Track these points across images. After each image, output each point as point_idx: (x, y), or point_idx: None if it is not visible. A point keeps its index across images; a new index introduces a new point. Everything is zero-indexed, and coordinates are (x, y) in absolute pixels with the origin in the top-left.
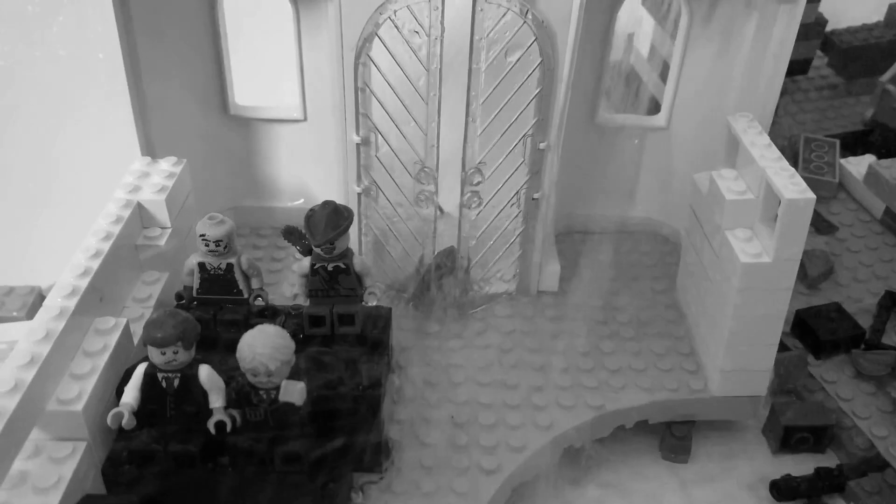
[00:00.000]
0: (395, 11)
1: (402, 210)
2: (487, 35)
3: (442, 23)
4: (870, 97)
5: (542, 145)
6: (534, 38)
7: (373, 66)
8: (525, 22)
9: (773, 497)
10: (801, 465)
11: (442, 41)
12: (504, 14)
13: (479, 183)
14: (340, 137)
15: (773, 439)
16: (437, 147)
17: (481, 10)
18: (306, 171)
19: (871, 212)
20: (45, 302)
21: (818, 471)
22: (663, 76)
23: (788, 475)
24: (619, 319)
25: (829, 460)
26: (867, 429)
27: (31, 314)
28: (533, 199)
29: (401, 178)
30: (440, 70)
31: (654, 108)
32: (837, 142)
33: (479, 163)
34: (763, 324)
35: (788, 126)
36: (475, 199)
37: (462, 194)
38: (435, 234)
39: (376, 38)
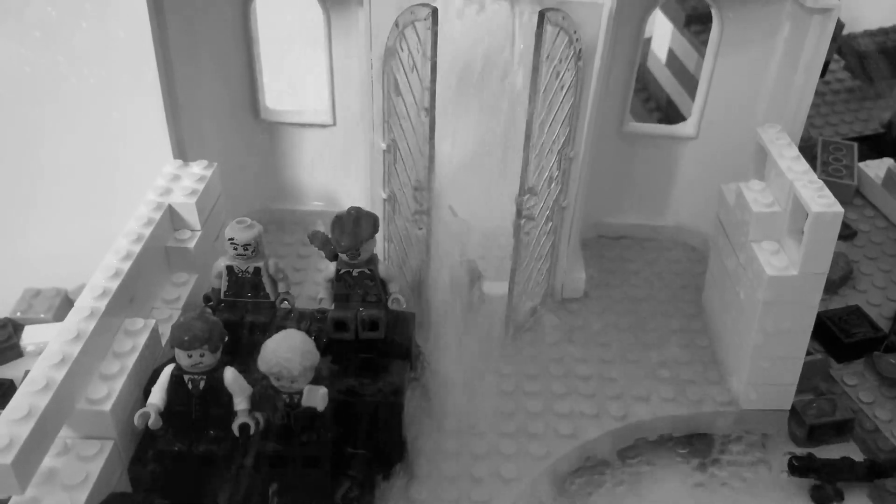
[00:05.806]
0: (406, 27)
1: (419, 218)
2: (547, 56)
3: (434, 43)
4: (887, 100)
5: (570, 154)
6: (572, 53)
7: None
8: (570, 38)
9: (789, 470)
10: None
11: (434, 62)
12: (558, 33)
13: (534, 206)
14: (368, 143)
15: (800, 438)
16: (431, 168)
17: (546, 31)
18: (334, 176)
19: (889, 217)
20: (77, 303)
21: (843, 459)
22: (681, 81)
23: (811, 453)
24: (644, 328)
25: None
26: (889, 431)
27: (57, 316)
28: (561, 207)
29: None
30: (432, 90)
31: (673, 112)
32: (855, 145)
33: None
34: (788, 338)
35: (805, 129)
36: (530, 222)
37: (518, 217)
38: (428, 251)
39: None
